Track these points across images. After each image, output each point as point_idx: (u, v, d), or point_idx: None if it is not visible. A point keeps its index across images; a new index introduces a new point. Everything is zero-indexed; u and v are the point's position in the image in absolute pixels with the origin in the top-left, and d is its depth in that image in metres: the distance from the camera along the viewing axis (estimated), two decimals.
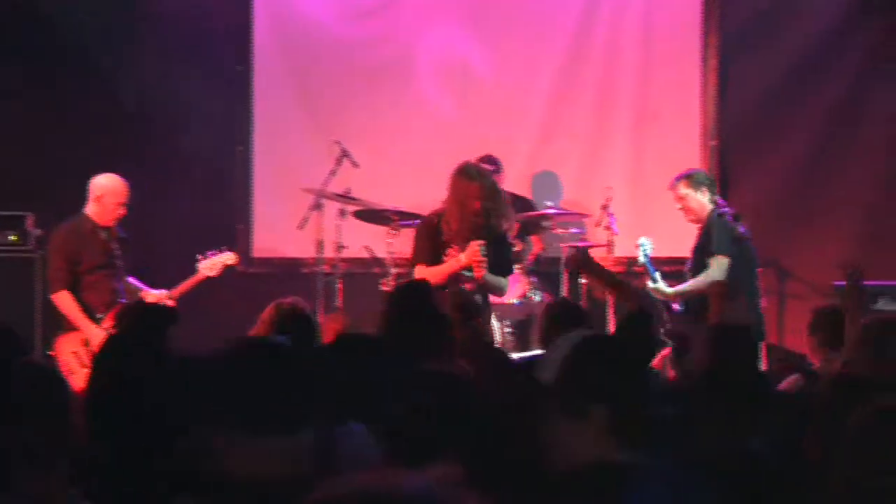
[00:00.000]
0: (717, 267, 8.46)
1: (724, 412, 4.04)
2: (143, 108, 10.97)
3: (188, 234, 10.51)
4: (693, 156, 10.84)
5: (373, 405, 3.85)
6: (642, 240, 8.86)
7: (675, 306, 8.67)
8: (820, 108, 10.68)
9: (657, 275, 8.64)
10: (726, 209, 8.74)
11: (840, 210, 10.49)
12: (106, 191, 8.61)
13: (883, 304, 9.33)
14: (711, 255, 8.55)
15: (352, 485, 1.56)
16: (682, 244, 9.35)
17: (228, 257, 8.93)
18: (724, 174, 10.32)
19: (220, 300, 9.74)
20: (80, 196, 8.64)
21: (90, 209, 8.62)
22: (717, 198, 8.80)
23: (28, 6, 10.87)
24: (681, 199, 8.76)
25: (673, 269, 9.26)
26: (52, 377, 3.61)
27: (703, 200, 8.72)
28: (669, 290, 8.60)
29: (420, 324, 5.66)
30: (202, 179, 11.09)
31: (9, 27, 10.89)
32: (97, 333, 8.19)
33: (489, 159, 10.06)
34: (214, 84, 11.13)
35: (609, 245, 9.66)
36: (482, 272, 7.93)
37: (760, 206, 8.95)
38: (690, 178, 8.79)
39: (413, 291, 6.20)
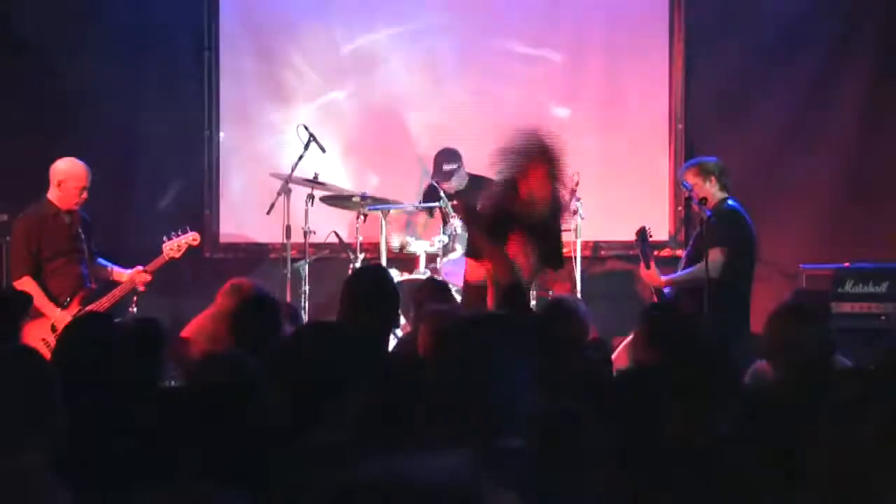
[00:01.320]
0: (714, 259, 8.36)
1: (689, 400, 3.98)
2: (108, 92, 10.92)
3: (154, 219, 10.54)
4: (661, 140, 10.92)
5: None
6: (642, 227, 8.83)
7: (667, 290, 8.72)
8: (785, 91, 10.67)
9: (651, 262, 8.65)
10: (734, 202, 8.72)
11: (803, 192, 10.49)
12: (67, 175, 8.57)
13: (849, 287, 9.33)
14: (712, 245, 8.41)
15: (372, 472, 1.54)
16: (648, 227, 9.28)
17: (191, 237, 8.90)
18: (690, 158, 10.22)
19: (186, 285, 9.71)
20: (43, 180, 8.62)
21: (52, 194, 8.59)
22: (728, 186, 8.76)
23: None
24: (690, 185, 8.71)
25: (637, 252, 9.22)
26: (33, 358, 3.59)
27: (712, 189, 8.62)
28: (662, 277, 8.62)
29: (377, 306, 5.69)
30: (169, 164, 11.08)
31: None
32: (63, 318, 8.13)
33: (448, 153, 10.23)
34: (181, 68, 11.19)
35: (576, 229, 9.64)
36: None
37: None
38: (700, 167, 8.73)
39: (369, 274, 6.26)
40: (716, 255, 8.36)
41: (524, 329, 3.74)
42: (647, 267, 8.62)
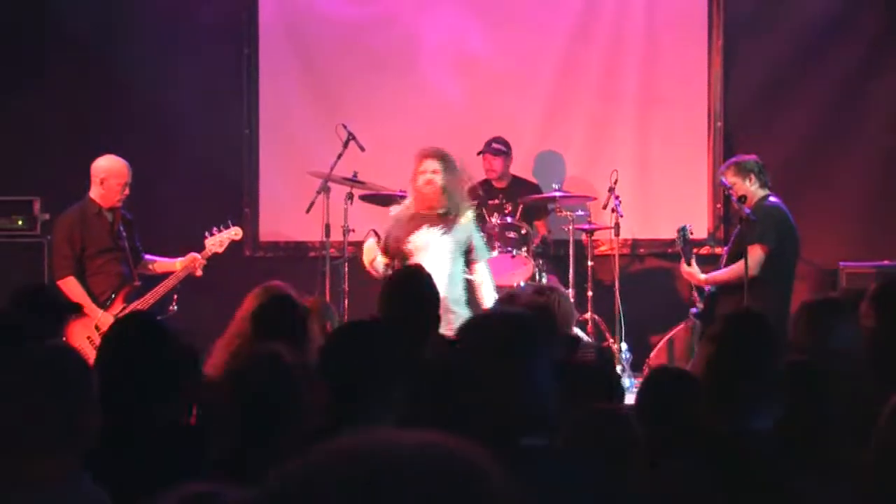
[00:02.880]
0: (755, 257, 8.33)
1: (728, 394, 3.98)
2: (149, 92, 10.99)
3: (195, 218, 10.49)
4: (700, 138, 10.92)
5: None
6: (683, 225, 8.79)
7: (694, 309, 8.72)
8: (824, 88, 10.59)
9: (693, 259, 8.60)
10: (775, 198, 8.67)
11: (843, 188, 10.44)
12: (109, 173, 8.57)
13: None
14: (752, 243, 8.39)
15: (359, 442, 1.50)
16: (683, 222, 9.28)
17: (234, 232, 8.89)
18: (729, 155, 10.22)
19: (227, 283, 9.73)
20: (85, 179, 8.65)
21: (94, 192, 8.59)
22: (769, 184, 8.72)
23: None
24: (730, 183, 8.67)
25: (675, 250, 9.29)
26: (74, 359, 3.52)
27: (751, 188, 8.57)
28: (702, 275, 8.57)
29: (416, 306, 5.67)
30: (209, 163, 11.11)
31: (11, 15, 11.00)
32: (106, 317, 8.16)
33: (501, 140, 10.34)
34: (221, 67, 11.27)
35: (615, 227, 9.68)
36: None
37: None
38: (738, 166, 8.66)
39: (410, 275, 6.20)
40: (757, 253, 8.32)
41: (545, 328, 3.73)
42: (689, 264, 8.58)
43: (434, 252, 8.09)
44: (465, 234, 8.27)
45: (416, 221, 8.27)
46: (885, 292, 5.43)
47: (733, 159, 8.85)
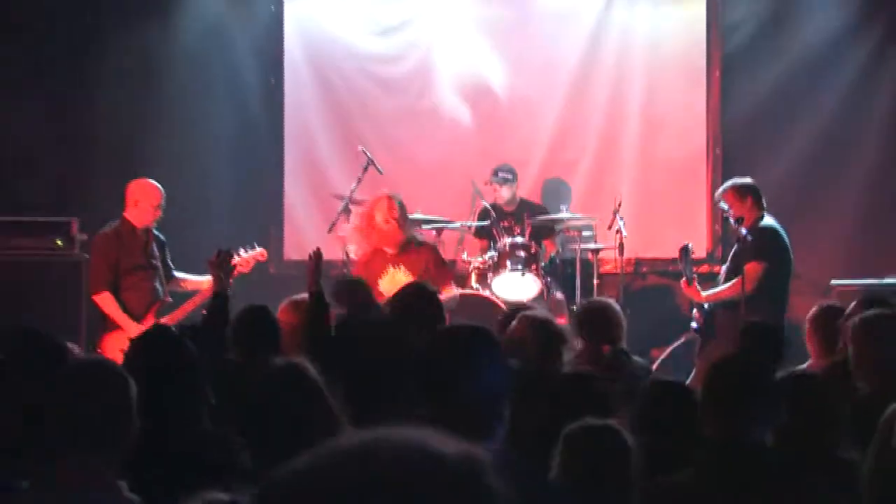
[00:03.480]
0: (752, 274, 8.31)
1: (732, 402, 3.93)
2: (181, 118, 11.03)
3: (223, 238, 10.44)
4: (699, 163, 11.02)
5: None
6: (686, 244, 8.72)
7: (693, 324, 8.68)
8: (815, 116, 10.63)
9: (693, 277, 8.54)
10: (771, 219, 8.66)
11: (835, 210, 10.47)
12: (142, 195, 8.55)
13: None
14: (749, 261, 8.37)
15: (387, 439, 1.47)
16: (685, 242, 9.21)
17: (259, 253, 8.84)
18: (727, 179, 10.00)
19: (253, 299, 9.64)
20: (121, 201, 8.62)
21: (128, 213, 8.55)
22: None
23: (69, 21, 10.96)
24: (728, 205, 8.66)
25: (676, 268, 9.30)
26: (114, 372, 3.59)
27: (748, 209, 8.54)
28: (703, 293, 8.49)
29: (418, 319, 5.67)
30: (238, 185, 11.18)
31: (58, 47, 10.96)
32: (139, 331, 8.04)
33: (507, 168, 10.31)
34: (249, 97, 11.32)
35: (620, 247, 9.62)
36: None
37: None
38: (736, 188, 8.64)
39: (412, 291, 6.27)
40: (754, 271, 8.29)
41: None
42: (690, 283, 8.49)
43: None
44: (423, 265, 8.51)
45: (378, 262, 8.63)
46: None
47: (731, 182, 8.81)
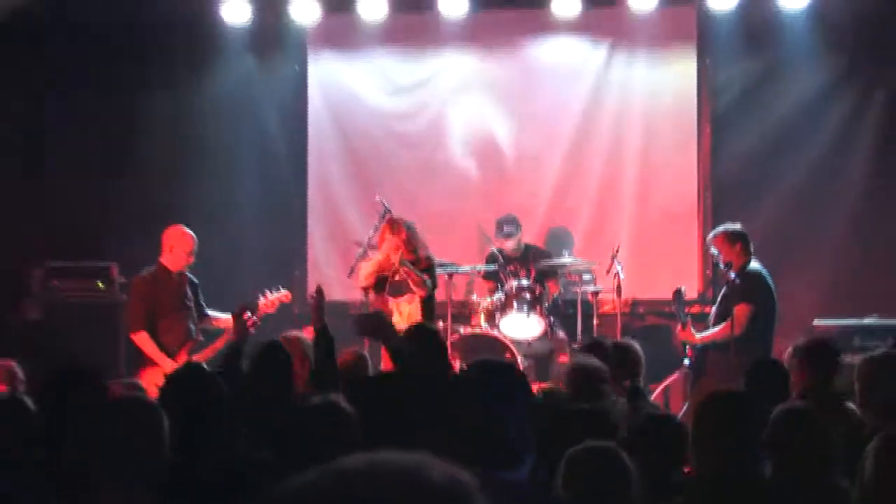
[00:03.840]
0: (741, 315, 8.30)
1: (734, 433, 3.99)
2: (213, 168, 11.11)
3: (252, 279, 10.42)
4: (691, 210, 10.99)
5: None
6: (678, 288, 8.76)
7: (686, 361, 8.66)
8: (799, 165, 10.68)
9: (688, 320, 8.56)
10: (758, 264, 8.64)
11: (817, 254, 10.47)
12: (177, 241, 8.59)
13: (857, 342, 9.18)
14: (738, 303, 8.37)
15: (375, 463, 1.46)
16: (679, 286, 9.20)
17: (283, 295, 8.79)
18: (717, 225, 9.96)
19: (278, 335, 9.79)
20: (157, 247, 8.69)
21: (164, 258, 8.59)
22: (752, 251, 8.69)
23: (109, 81, 11.05)
24: (718, 251, 8.66)
25: (670, 309, 9.23)
26: (147, 406, 3.61)
27: (737, 254, 8.54)
28: (697, 334, 8.51)
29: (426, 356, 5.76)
30: (265, 231, 11.19)
31: (89, 96, 11.03)
32: (173, 367, 7.83)
33: (510, 220, 10.26)
34: (274, 147, 11.38)
35: (618, 289, 9.61)
36: None
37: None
38: (726, 235, 8.66)
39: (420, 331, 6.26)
40: (742, 313, 8.31)
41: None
42: (684, 328, 8.52)
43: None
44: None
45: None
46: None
47: (721, 228, 8.81)
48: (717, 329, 8.48)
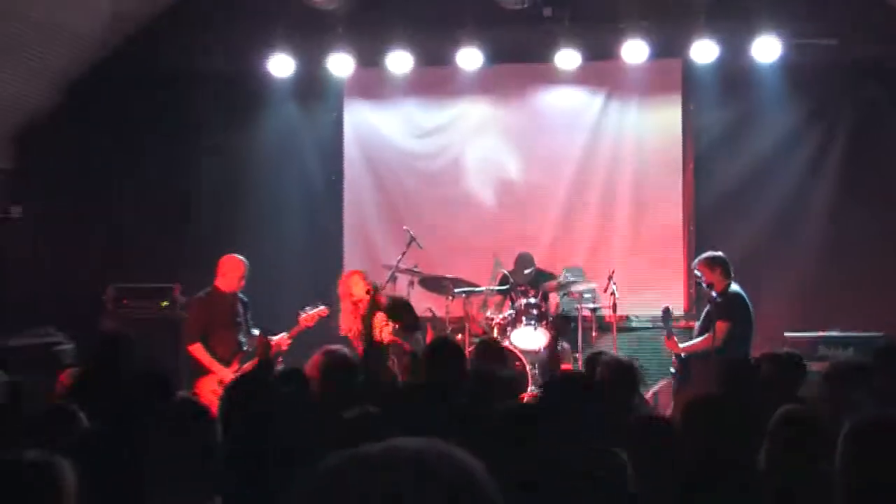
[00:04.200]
0: (721, 330, 8.43)
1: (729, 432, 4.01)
2: (260, 203, 11.40)
3: (295, 297, 10.54)
4: (676, 238, 11.09)
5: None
6: (666, 306, 8.92)
7: (672, 370, 8.79)
8: (773, 196, 10.76)
9: (672, 335, 8.70)
10: (736, 286, 8.66)
11: (788, 274, 10.46)
12: (229, 267, 8.79)
13: (822, 351, 9.35)
14: (719, 319, 8.48)
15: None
16: (667, 303, 9.40)
17: (322, 310, 8.81)
18: (700, 251, 10.03)
19: (316, 349, 10.00)
20: (212, 271, 8.90)
21: (218, 281, 8.80)
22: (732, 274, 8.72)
23: (168, 121, 11.30)
24: (701, 273, 8.79)
25: (659, 325, 9.33)
26: (201, 409, 3.55)
27: (718, 277, 8.66)
28: (681, 345, 8.67)
29: (446, 365, 5.71)
30: (306, 256, 11.34)
31: (156, 140, 11.32)
32: (227, 374, 8.30)
33: (529, 259, 10.36)
34: (315, 184, 11.57)
35: (613, 306, 9.75)
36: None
37: None
38: (708, 260, 8.79)
39: (441, 343, 6.15)
40: (721, 328, 8.50)
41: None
42: (669, 339, 8.70)
43: None
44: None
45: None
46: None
47: (704, 255, 8.90)
48: (698, 340, 8.67)
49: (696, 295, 10.72)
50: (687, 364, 8.65)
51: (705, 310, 8.89)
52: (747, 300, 8.70)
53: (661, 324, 8.96)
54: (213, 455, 3.33)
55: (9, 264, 10.74)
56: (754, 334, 8.74)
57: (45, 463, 2.72)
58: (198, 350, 8.57)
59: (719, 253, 8.90)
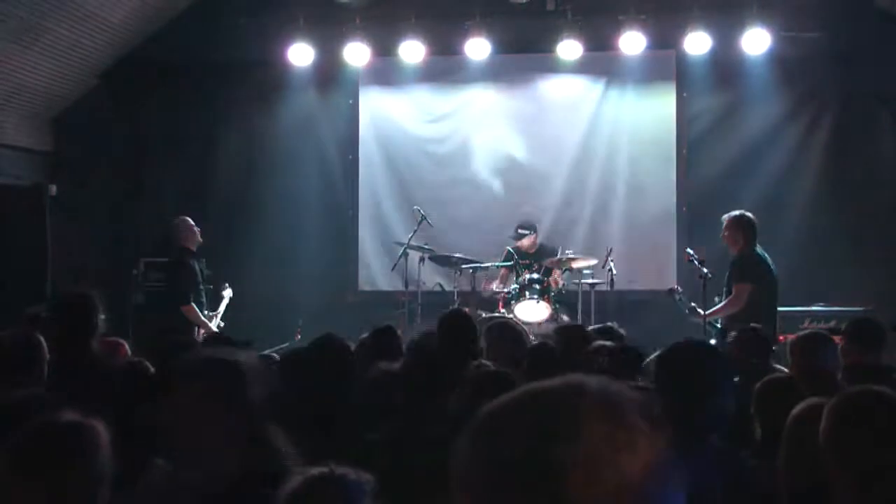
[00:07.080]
0: (740, 293, 7.96)
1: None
2: (281, 185, 11.42)
3: (313, 273, 11.00)
4: (669, 218, 11.11)
5: None
6: (673, 286, 8.71)
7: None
8: (761, 181, 10.69)
9: (691, 305, 8.25)
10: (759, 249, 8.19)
11: (778, 252, 9.28)
12: (186, 228, 8.84)
13: (807, 324, 9.24)
14: (737, 283, 8.02)
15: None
16: (661, 280, 9.80)
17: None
18: (691, 232, 10.46)
19: (336, 319, 9.54)
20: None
21: (188, 243, 8.84)
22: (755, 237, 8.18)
23: (191, 109, 11.36)
24: (726, 231, 8.22)
25: (654, 298, 9.37)
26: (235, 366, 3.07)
27: (739, 238, 8.11)
28: (704, 311, 8.10)
29: (459, 337, 5.45)
30: (324, 233, 11.41)
31: (180, 128, 11.40)
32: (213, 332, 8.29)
33: (527, 224, 10.42)
34: (332, 167, 11.60)
35: (611, 281, 9.70)
36: None
37: (716, 256, 8.52)
38: (734, 219, 8.22)
39: (454, 316, 5.89)
40: (741, 290, 7.99)
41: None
42: (690, 312, 8.24)
43: None
44: None
45: None
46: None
47: (736, 212, 8.31)
48: (719, 305, 8.16)
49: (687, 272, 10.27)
50: (723, 329, 8.00)
51: (727, 274, 8.28)
52: (768, 261, 8.20)
53: (670, 297, 8.59)
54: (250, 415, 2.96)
55: (45, 240, 10.74)
56: (779, 297, 8.32)
57: (81, 425, 2.61)
58: (192, 311, 8.65)
59: (750, 215, 8.32)
